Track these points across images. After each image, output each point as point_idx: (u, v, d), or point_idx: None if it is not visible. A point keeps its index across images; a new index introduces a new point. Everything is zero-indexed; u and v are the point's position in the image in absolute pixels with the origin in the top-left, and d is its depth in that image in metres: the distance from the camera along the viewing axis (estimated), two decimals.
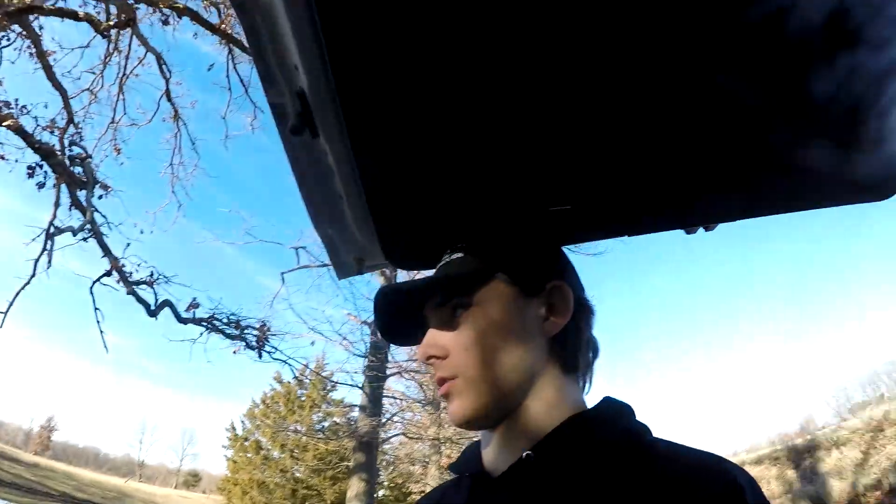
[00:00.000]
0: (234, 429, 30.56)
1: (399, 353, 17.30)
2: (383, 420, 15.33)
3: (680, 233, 1.19)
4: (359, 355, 14.03)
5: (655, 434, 0.87)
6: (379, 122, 0.88)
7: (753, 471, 19.35)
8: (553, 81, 0.84)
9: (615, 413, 0.90)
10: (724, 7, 0.74)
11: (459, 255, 0.98)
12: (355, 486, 13.42)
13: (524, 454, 0.83)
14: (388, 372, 14.66)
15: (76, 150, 8.61)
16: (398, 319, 1.01)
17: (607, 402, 0.92)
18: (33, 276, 8.52)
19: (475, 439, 1.04)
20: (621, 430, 0.86)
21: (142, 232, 10.76)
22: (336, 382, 17.92)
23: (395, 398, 17.22)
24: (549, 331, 0.93)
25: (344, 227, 1.17)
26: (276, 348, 10.60)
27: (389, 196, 1.05)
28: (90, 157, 8.85)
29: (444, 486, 1.07)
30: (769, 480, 18.62)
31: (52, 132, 8.40)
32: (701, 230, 1.19)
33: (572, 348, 0.95)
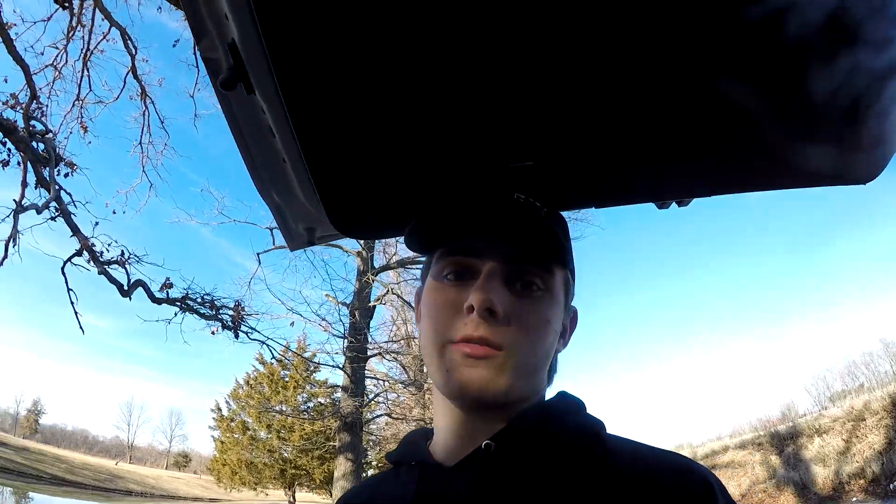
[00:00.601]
0: (219, 409, 30.85)
1: (380, 335, 17.39)
2: (366, 400, 15.39)
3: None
4: (338, 336, 14.10)
5: (626, 430, 0.86)
6: (313, 76, 0.82)
7: (737, 455, 19.64)
8: (511, 30, 0.76)
9: (570, 406, 0.88)
10: None
11: (539, 216, 0.88)
12: (342, 466, 13.59)
13: (484, 444, 0.79)
14: (368, 353, 14.69)
15: (38, 126, 8.41)
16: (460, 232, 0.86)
17: (563, 395, 0.90)
18: (5, 257, 8.40)
19: (415, 428, 1.01)
20: (576, 423, 0.84)
21: (114, 212, 10.83)
22: (317, 363, 17.97)
23: (377, 379, 17.28)
24: (557, 348, 0.90)
25: (290, 194, 1.08)
26: (253, 329, 10.57)
27: (331, 158, 0.96)
28: (50, 132, 8.65)
29: (379, 476, 1.00)
30: (753, 465, 18.88)
31: (14, 109, 8.24)
32: (674, 205, 1.13)
33: (556, 369, 0.93)
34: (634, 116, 0.90)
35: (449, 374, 0.79)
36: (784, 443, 18.80)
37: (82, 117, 10.63)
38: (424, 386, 17.80)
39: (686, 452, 23.28)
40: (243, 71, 0.81)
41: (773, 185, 1.05)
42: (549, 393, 0.92)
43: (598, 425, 0.85)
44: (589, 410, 0.89)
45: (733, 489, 18.49)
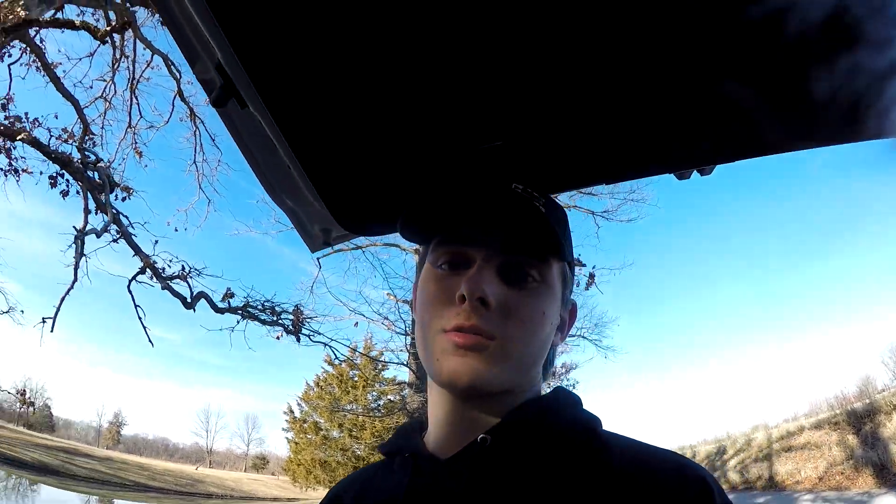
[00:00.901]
0: (291, 412, 31.38)
1: None
2: None
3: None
4: (401, 333, 14.27)
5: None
6: (291, 86, 0.85)
7: (813, 436, 18.89)
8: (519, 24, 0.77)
9: (567, 401, 0.87)
10: None
11: (536, 207, 0.85)
12: None
13: (479, 438, 0.79)
14: None
15: (91, 156, 8.80)
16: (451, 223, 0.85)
17: (559, 390, 0.90)
18: (75, 280, 8.85)
19: (410, 420, 1.02)
20: (573, 418, 0.84)
21: (175, 230, 11.53)
22: (384, 362, 18.13)
23: None
24: (555, 341, 0.90)
25: (301, 197, 1.10)
26: (316, 331, 10.86)
27: (324, 160, 0.99)
28: (101, 160, 9.04)
29: (371, 468, 0.99)
30: (830, 446, 18.16)
31: (68, 142, 8.66)
32: (695, 174, 1.07)
33: (552, 363, 0.93)
34: (640, 86, 0.89)
35: (439, 362, 0.79)
36: (861, 421, 17.96)
37: (136, 143, 11.26)
38: None
39: (761, 434, 22.65)
40: (233, 87, 0.84)
41: (802, 143, 0.98)
42: (552, 385, 0.94)
43: (594, 421, 0.84)
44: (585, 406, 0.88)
45: (810, 472, 17.93)
